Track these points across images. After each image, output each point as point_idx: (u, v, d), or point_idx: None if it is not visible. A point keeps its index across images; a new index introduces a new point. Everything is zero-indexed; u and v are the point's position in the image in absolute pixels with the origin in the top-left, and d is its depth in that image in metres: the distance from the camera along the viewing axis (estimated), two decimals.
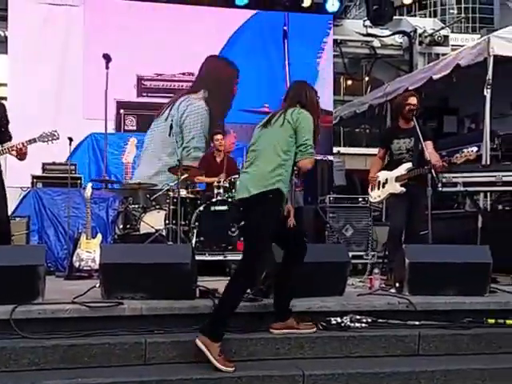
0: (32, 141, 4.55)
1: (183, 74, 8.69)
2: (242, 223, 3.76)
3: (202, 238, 6.18)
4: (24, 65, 8.11)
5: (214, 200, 6.35)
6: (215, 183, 6.47)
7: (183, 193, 6.42)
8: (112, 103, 8.33)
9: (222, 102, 8.86)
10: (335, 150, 10.17)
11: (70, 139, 5.80)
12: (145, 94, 8.56)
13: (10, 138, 4.66)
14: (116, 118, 8.43)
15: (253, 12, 8.93)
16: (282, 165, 3.57)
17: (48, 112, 7.91)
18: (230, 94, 8.90)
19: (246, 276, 3.56)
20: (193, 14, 8.75)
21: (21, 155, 4.53)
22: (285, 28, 9.00)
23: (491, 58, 6.07)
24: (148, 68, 8.55)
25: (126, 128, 8.49)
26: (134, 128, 8.51)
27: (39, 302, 3.62)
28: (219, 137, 6.96)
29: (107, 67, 7.20)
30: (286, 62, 9.00)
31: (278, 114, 3.72)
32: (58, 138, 4.75)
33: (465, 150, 4.75)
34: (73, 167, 6.64)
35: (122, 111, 8.46)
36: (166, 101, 8.63)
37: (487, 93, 6.05)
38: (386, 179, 5.15)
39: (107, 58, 7.13)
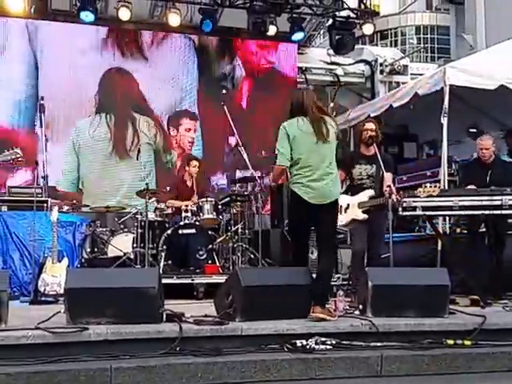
0: None
1: None
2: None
3: (169, 262, 6.21)
4: None
5: (181, 223, 6.39)
6: (183, 206, 6.53)
7: (151, 216, 6.44)
8: None
9: None
10: None
11: (37, 163, 5.81)
12: None
13: None
14: None
15: None
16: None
17: None
18: None
19: (335, 250, 5.16)
20: None
21: None
22: None
23: (447, 88, 6.30)
24: None
25: None
26: None
27: (2, 329, 3.58)
28: (195, 163, 7.12)
29: None
30: None
31: (322, 125, 4.35)
32: (20, 158, 4.72)
33: (428, 186, 4.94)
34: (39, 190, 6.58)
35: None
36: None
37: (444, 120, 6.28)
38: (348, 204, 5.28)
39: None
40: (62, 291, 5.02)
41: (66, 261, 5.67)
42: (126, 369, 3.39)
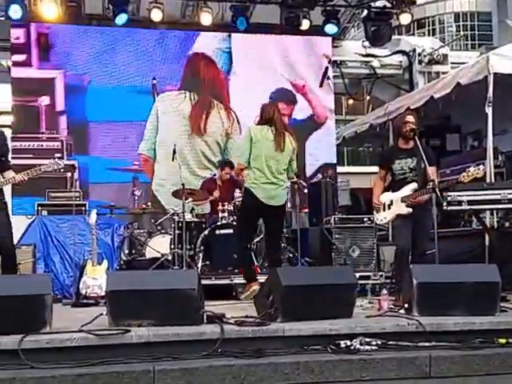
0: (38, 170, 4.59)
1: (42, 133, 8.47)
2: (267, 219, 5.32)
3: (207, 262, 6.18)
4: None
5: (219, 223, 6.34)
6: (219, 207, 6.48)
7: (188, 217, 6.42)
8: None
9: None
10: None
11: (74, 167, 5.86)
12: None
13: (10, 167, 4.70)
14: None
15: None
16: None
17: None
18: None
19: (280, 244, 5.77)
20: None
21: (20, 184, 4.59)
22: None
23: (491, 76, 6.09)
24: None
25: None
26: None
27: (47, 332, 3.60)
28: (229, 170, 7.10)
29: None
30: None
31: (282, 138, 5.05)
32: (62, 168, 4.76)
33: (471, 169, 4.72)
34: (77, 194, 6.63)
35: None
36: (24, 162, 7.73)
37: (488, 110, 6.07)
38: (391, 200, 5.12)
39: None
40: (102, 293, 5.07)
41: (105, 263, 5.72)
42: (168, 371, 3.37)
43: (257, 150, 5.04)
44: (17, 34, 8.49)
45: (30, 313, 3.60)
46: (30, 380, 3.21)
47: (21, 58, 8.56)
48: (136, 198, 7.58)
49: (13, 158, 7.72)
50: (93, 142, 8.62)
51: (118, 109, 8.65)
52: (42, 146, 8.43)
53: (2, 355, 3.36)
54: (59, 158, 7.95)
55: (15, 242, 5.85)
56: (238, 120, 8.96)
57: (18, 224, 6.35)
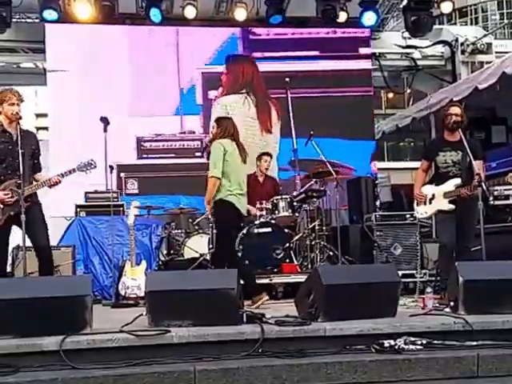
0: (72, 171, 4.64)
1: (183, 133, 8.64)
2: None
3: (246, 262, 6.13)
4: None
5: (257, 222, 6.29)
6: (257, 205, 6.42)
7: None
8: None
9: None
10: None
11: (111, 167, 5.89)
12: (145, 156, 8.42)
13: (40, 170, 4.77)
14: (117, 181, 7.94)
15: None
16: None
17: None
18: None
19: None
20: None
21: (53, 186, 4.62)
22: None
23: None
24: (147, 129, 8.48)
25: (127, 192, 8.22)
26: (136, 191, 8.27)
27: (88, 332, 3.62)
28: (267, 158, 6.96)
29: (105, 130, 6.35)
30: None
31: (242, 149, 5.26)
32: (95, 167, 4.80)
33: None
34: (115, 195, 6.61)
35: (122, 174, 8.22)
36: (167, 162, 8.42)
37: None
38: (433, 194, 4.98)
39: (105, 121, 6.36)
40: (141, 294, 5.09)
41: (144, 263, 5.76)
42: (209, 371, 3.35)
43: (229, 162, 5.15)
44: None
45: (70, 314, 3.63)
46: (72, 380, 3.23)
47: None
48: None
49: (155, 157, 8.43)
50: None
51: None
52: (183, 145, 8.67)
53: (43, 356, 3.40)
54: (199, 156, 8.33)
55: (55, 243, 5.96)
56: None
57: (58, 226, 6.46)
